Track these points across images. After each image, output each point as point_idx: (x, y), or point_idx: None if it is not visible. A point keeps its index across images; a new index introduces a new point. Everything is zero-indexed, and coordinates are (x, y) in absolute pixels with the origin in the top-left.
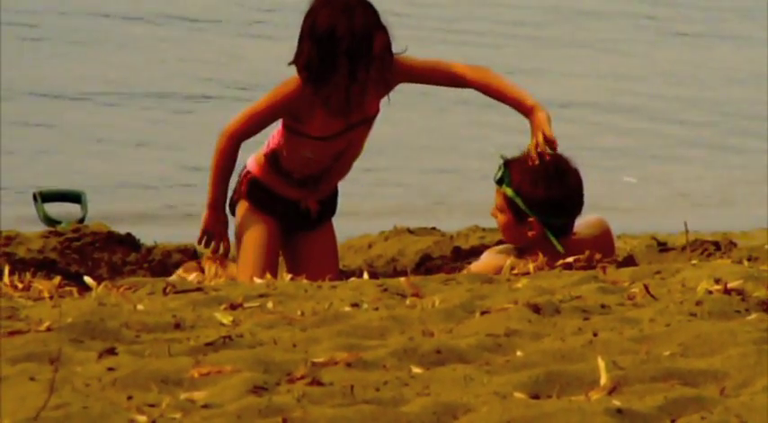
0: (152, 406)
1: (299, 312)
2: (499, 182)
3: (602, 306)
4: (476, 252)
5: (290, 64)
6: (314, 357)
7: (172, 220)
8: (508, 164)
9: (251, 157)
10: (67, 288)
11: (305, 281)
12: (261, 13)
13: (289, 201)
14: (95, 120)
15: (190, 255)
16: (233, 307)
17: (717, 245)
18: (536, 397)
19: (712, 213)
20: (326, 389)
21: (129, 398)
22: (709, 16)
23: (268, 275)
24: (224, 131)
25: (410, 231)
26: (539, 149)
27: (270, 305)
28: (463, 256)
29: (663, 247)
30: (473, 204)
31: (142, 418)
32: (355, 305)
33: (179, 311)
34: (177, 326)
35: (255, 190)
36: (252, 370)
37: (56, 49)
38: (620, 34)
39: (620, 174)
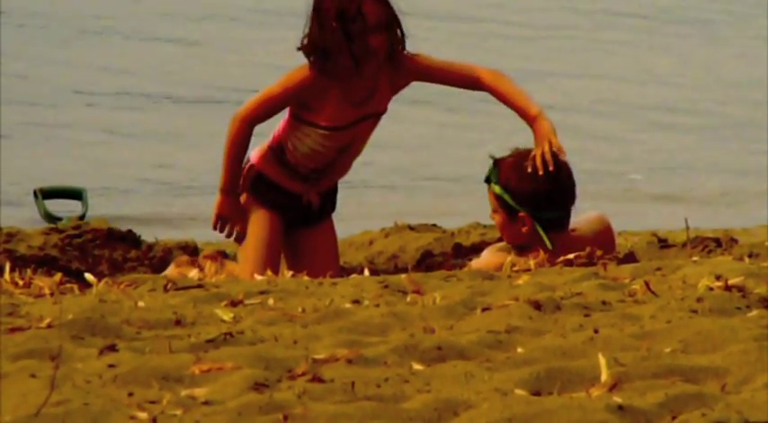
0: (153, 403)
1: (299, 309)
2: (487, 181)
3: (603, 303)
4: (477, 249)
5: (297, 49)
6: (315, 354)
7: (176, 223)
8: (497, 163)
9: (255, 149)
10: (68, 285)
11: (306, 277)
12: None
13: (291, 194)
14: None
15: (190, 251)
16: (234, 304)
17: (718, 241)
18: (537, 394)
19: (713, 210)
20: (327, 385)
21: (130, 394)
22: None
23: (269, 272)
24: (236, 116)
25: (411, 228)
26: (545, 157)
27: (271, 302)
28: (464, 252)
29: (664, 243)
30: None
31: (143, 414)
32: (356, 302)
33: (180, 308)
34: (178, 322)
35: (258, 183)
36: (253, 367)
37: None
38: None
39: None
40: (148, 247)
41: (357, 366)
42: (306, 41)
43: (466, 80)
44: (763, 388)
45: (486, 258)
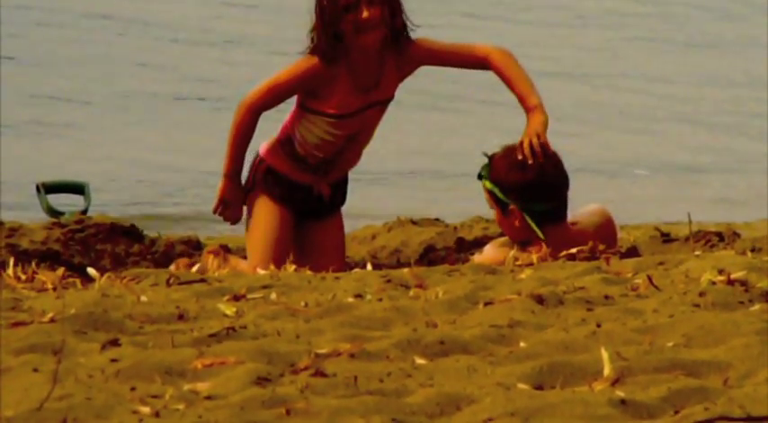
0: (155, 397)
1: (302, 303)
2: (479, 177)
3: (606, 297)
4: (479, 243)
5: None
6: (317, 348)
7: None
8: (490, 159)
9: (263, 144)
10: (71, 279)
11: (308, 272)
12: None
13: (301, 186)
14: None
15: (193, 246)
16: (236, 298)
17: (720, 236)
18: (539, 388)
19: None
20: (330, 380)
21: (133, 389)
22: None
23: (272, 266)
24: (243, 103)
25: (413, 222)
26: (533, 148)
27: (273, 296)
28: (467, 247)
29: (666, 237)
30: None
31: (145, 409)
32: (359, 296)
33: (182, 303)
34: (180, 317)
35: (268, 177)
36: (255, 361)
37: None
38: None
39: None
40: (151, 242)
41: (360, 361)
42: (312, 46)
43: (473, 60)
44: (765, 382)
45: (488, 253)
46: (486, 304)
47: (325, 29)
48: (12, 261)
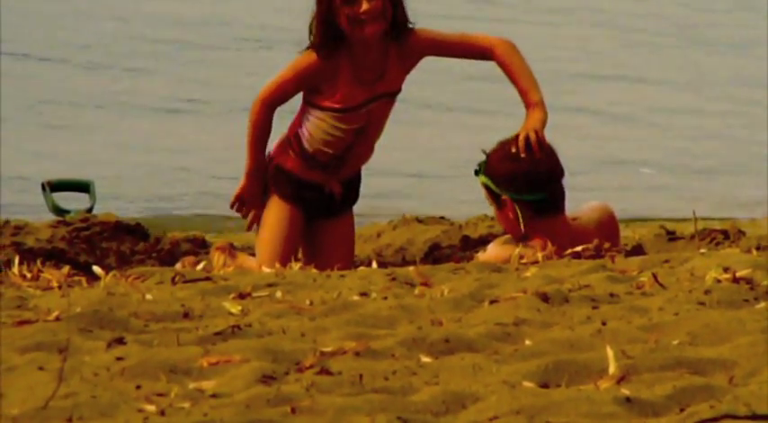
0: (161, 395)
1: (307, 302)
2: (476, 173)
3: (611, 295)
4: (484, 241)
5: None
6: (323, 346)
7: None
8: (487, 156)
9: (273, 143)
10: (76, 278)
11: (314, 270)
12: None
13: (312, 185)
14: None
15: (198, 244)
16: (242, 296)
17: (725, 234)
18: (545, 386)
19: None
20: (335, 378)
21: (138, 387)
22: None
23: (277, 265)
24: (256, 100)
25: (419, 220)
26: (528, 141)
27: (279, 294)
28: (472, 245)
29: (671, 235)
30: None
31: (151, 407)
32: (364, 294)
33: (188, 301)
34: (186, 315)
35: (279, 177)
36: (260, 359)
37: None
38: None
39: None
40: (156, 240)
41: (365, 359)
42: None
43: (476, 50)
44: None
45: (493, 251)
46: (491, 302)
47: (322, 22)
48: (17, 259)
